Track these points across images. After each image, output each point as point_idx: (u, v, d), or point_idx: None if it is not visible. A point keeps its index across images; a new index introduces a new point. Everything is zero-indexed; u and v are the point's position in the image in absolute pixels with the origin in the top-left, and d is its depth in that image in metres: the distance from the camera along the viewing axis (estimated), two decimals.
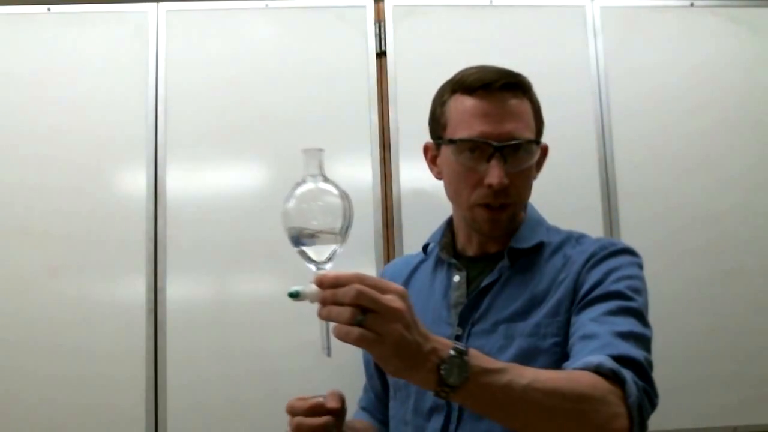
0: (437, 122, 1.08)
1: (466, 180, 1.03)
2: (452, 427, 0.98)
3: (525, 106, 1.04)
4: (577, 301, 0.96)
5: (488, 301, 1.03)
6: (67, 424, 1.42)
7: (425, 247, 1.20)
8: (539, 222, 1.11)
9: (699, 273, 1.55)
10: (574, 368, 0.83)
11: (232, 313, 1.47)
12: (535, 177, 1.09)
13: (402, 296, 0.71)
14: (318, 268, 0.77)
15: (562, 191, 1.51)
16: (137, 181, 1.51)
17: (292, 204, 0.77)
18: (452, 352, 0.71)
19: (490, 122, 1.00)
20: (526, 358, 0.93)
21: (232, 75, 1.56)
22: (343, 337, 0.68)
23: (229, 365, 1.46)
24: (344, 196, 0.78)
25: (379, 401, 1.21)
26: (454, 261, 1.10)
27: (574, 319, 0.95)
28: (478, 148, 1.01)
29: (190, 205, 1.51)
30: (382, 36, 1.59)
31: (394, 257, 1.51)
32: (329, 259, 0.78)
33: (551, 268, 1.02)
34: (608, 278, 0.96)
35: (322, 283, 0.70)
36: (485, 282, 1.04)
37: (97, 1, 1.58)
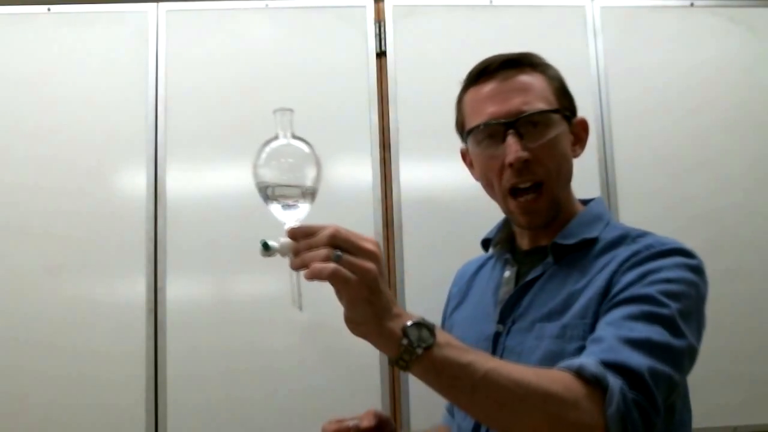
0: (460, 124, 1.06)
1: (491, 168, 0.99)
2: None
3: (535, 79, 0.99)
4: (606, 302, 0.88)
5: (529, 298, 0.97)
6: (67, 424, 1.42)
7: (484, 244, 1.14)
8: (598, 217, 1.02)
9: None
10: (557, 368, 0.78)
11: (232, 312, 1.47)
12: (576, 153, 1.03)
13: (376, 244, 0.70)
14: (287, 224, 0.75)
15: None
16: (137, 182, 1.51)
17: (263, 159, 0.77)
18: (419, 320, 0.70)
19: (497, 102, 0.97)
20: (551, 361, 0.84)
21: (232, 75, 1.56)
22: (317, 274, 0.66)
23: (229, 365, 1.46)
24: (314, 153, 0.78)
25: None
26: (507, 256, 1.06)
27: (598, 322, 0.87)
28: (494, 132, 0.97)
29: (190, 205, 1.51)
30: (382, 36, 1.59)
31: (394, 257, 1.51)
32: (296, 208, 0.76)
33: (596, 267, 0.94)
34: (643, 281, 0.87)
35: (295, 235, 0.69)
36: (528, 278, 0.99)
37: (97, 1, 1.58)
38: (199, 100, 1.55)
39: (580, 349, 0.85)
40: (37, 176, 1.50)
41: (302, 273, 0.68)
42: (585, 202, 1.07)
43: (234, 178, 1.52)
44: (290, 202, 0.75)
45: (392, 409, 1.48)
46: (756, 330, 1.54)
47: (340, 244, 0.67)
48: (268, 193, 0.76)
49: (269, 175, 0.76)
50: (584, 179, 1.55)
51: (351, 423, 0.93)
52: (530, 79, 0.99)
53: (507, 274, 1.04)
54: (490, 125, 0.97)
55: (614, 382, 0.75)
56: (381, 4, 1.60)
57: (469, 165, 1.08)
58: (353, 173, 1.55)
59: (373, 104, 1.57)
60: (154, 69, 1.55)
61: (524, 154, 0.94)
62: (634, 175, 1.58)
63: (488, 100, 0.98)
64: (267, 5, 1.60)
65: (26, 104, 1.53)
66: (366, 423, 0.93)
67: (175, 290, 1.48)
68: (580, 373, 0.75)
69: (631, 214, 1.56)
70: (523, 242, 1.06)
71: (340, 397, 1.42)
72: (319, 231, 0.68)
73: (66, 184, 1.50)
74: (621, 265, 0.91)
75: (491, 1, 1.63)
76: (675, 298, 0.86)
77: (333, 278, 0.66)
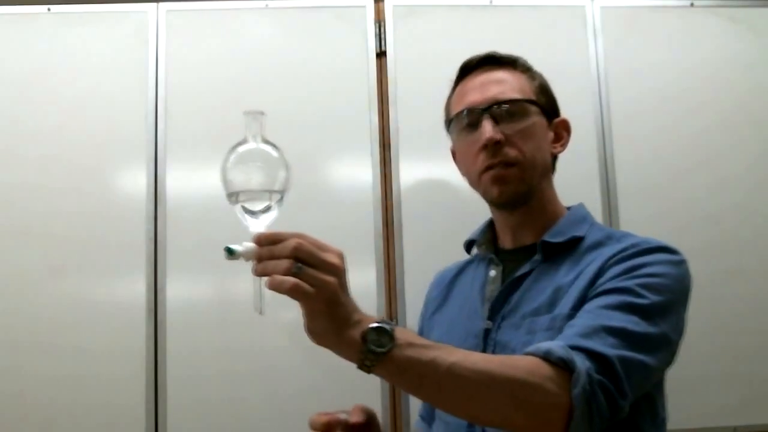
0: (447, 122, 1.12)
1: (470, 153, 1.04)
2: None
3: (513, 75, 1.05)
4: (590, 292, 0.91)
5: (519, 294, 1.00)
6: (67, 424, 1.42)
7: (468, 246, 1.17)
8: (583, 218, 1.07)
9: (699, 273, 1.52)
10: (525, 352, 0.80)
11: (232, 313, 1.47)
12: (557, 150, 1.08)
13: (340, 256, 0.71)
14: (253, 229, 0.76)
15: (562, 191, 1.50)
16: (137, 181, 1.51)
17: (231, 162, 0.77)
18: (378, 324, 0.71)
19: (475, 93, 1.04)
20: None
21: (232, 75, 1.56)
22: (277, 287, 0.67)
23: (229, 365, 1.46)
24: (283, 156, 0.78)
25: (431, 406, 1.16)
26: (492, 256, 1.09)
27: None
28: (472, 121, 1.03)
29: (190, 205, 1.51)
30: (382, 36, 1.59)
31: (394, 257, 1.51)
32: (264, 213, 0.76)
33: (583, 263, 0.97)
34: (627, 274, 0.90)
35: (260, 240, 0.70)
36: (516, 275, 1.02)
37: (97, 1, 1.58)
38: (199, 100, 1.55)
39: None
40: (37, 176, 1.50)
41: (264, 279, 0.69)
42: (568, 208, 1.11)
43: None
44: (258, 206, 0.75)
45: (392, 409, 1.48)
46: (756, 330, 1.54)
47: (303, 257, 0.68)
48: (237, 197, 0.76)
49: (238, 180, 0.76)
50: (584, 179, 1.57)
51: (341, 416, 0.94)
52: (508, 75, 1.05)
53: (492, 273, 1.06)
54: (469, 113, 1.03)
55: (582, 364, 0.77)
56: (381, 4, 1.60)
57: (458, 162, 1.13)
58: (353, 173, 1.55)
59: (373, 104, 1.57)
60: (154, 69, 1.55)
61: (497, 135, 0.99)
62: (634, 175, 1.58)
63: (469, 92, 1.05)
64: (267, 5, 1.60)
65: (26, 104, 1.53)
66: (355, 418, 0.94)
67: (175, 290, 1.48)
68: (547, 357, 0.77)
69: (631, 214, 1.56)
70: (506, 241, 1.09)
71: (340, 397, 1.42)
72: (283, 239, 0.69)
73: (66, 184, 1.50)
74: (608, 260, 0.94)
75: (491, 1, 1.63)
76: (655, 291, 0.88)
77: (292, 292, 0.67)
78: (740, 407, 1.51)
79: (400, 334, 0.72)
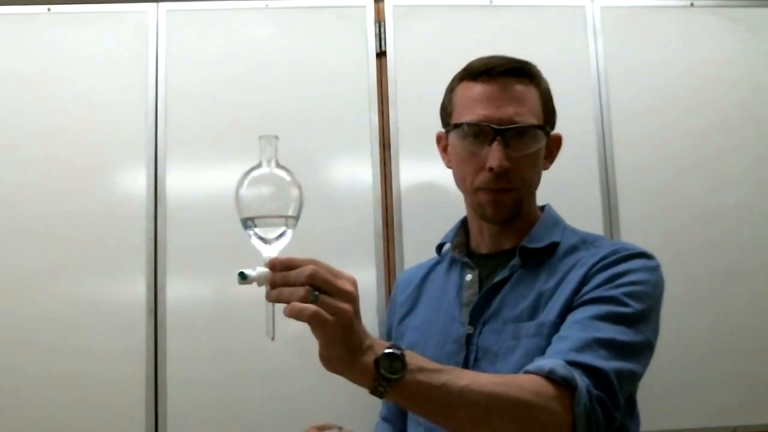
0: (445, 110, 1.10)
1: (470, 164, 1.04)
2: None
3: (530, 92, 1.04)
4: (576, 299, 0.95)
5: (499, 299, 1.02)
6: (67, 424, 1.42)
7: (439, 248, 1.19)
8: (557, 222, 1.10)
9: (699, 273, 1.55)
10: (526, 370, 0.83)
11: (232, 313, 1.47)
12: (546, 167, 1.10)
13: (353, 283, 0.72)
14: (266, 253, 0.76)
15: (562, 191, 1.51)
16: (137, 181, 1.51)
17: (245, 187, 0.77)
18: (389, 350, 0.72)
19: (492, 106, 1.01)
20: (531, 358, 0.91)
21: (232, 75, 1.56)
22: (296, 315, 0.67)
23: (229, 365, 1.46)
24: (296, 182, 0.78)
25: (398, 407, 1.19)
26: (466, 260, 1.09)
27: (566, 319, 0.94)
28: (481, 133, 1.02)
29: (190, 205, 1.51)
30: (382, 36, 1.59)
31: (394, 257, 1.51)
32: (278, 239, 0.76)
33: (562, 268, 1.01)
34: (610, 283, 0.94)
35: (274, 265, 0.70)
36: (496, 279, 1.03)
37: (97, 1, 1.58)
38: (199, 100, 1.55)
39: None
40: (37, 176, 1.50)
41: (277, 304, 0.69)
42: (540, 207, 1.13)
43: (234, 179, 1.51)
44: (272, 233, 0.76)
45: None
46: (756, 330, 1.54)
47: (318, 284, 0.68)
48: (252, 223, 0.76)
49: (252, 205, 0.76)
50: (584, 179, 1.57)
51: (334, 430, 0.95)
52: (526, 91, 1.04)
53: (469, 277, 1.07)
54: (481, 126, 1.01)
55: (581, 381, 0.81)
56: (381, 4, 1.60)
57: (443, 150, 1.13)
58: (353, 173, 1.55)
59: (373, 104, 1.57)
60: (154, 69, 1.55)
61: (507, 164, 1.00)
62: (634, 175, 1.58)
63: (484, 101, 1.02)
64: (267, 5, 1.60)
65: (26, 104, 1.53)
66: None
67: (175, 290, 1.48)
68: (550, 377, 0.81)
69: (631, 214, 1.56)
70: (482, 245, 1.10)
71: (340, 398, 1.42)
72: (298, 265, 0.69)
73: (66, 184, 1.50)
74: (591, 267, 0.97)
75: (491, 1, 1.63)
76: (638, 298, 0.93)
77: (311, 321, 0.67)
78: (740, 407, 1.51)
79: (411, 359, 0.74)
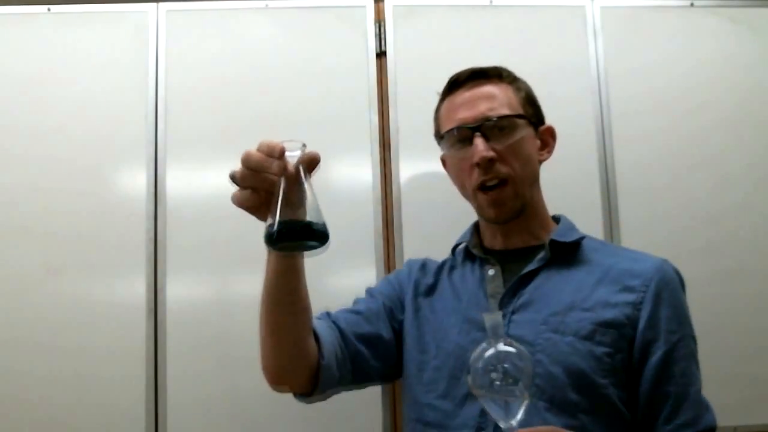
0: (437, 133, 1.16)
1: (462, 169, 1.09)
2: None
3: (502, 89, 1.09)
4: (647, 330, 1.01)
5: (530, 291, 1.04)
6: (67, 424, 1.42)
7: (455, 248, 1.22)
8: (573, 226, 1.15)
9: (699, 273, 1.54)
10: None
11: (232, 313, 1.47)
12: (544, 158, 1.13)
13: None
14: (506, 425, 0.82)
15: (562, 190, 1.51)
16: (137, 181, 1.51)
17: (478, 368, 0.84)
18: None
19: (465, 109, 1.08)
20: (579, 357, 0.97)
21: (232, 75, 1.56)
22: None
23: (229, 365, 1.46)
24: (524, 354, 0.84)
25: (357, 319, 1.12)
26: (487, 256, 1.12)
27: (647, 375, 1.01)
28: (464, 138, 1.07)
29: (190, 205, 1.51)
30: (382, 36, 1.59)
31: (394, 257, 1.51)
32: (516, 415, 0.82)
33: (596, 268, 1.05)
34: (677, 319, 1.03)
35: None
36: (525, 270, 1.06)
37: (97, 1, 1.58)
38: (199, 100, 1.55)
39: (608, 355, 0.98)
40: (37, 176, 1.50)
41: None
42: (553, 217, 1.18)
43: None
44: (511, 399, 0.82)
45: (392, 409, 1.48)
46: (756, 330, 1.54)
47: None
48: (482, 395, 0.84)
49: (483, 382, 0.83)
50: (584, 179, 1.57)
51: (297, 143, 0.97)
52: (495, 89, 1.09)
53: (492, 272, 1.10)
54: (460, 129, 1.07)
55: None
56: (381, 4, 1.60)
57: (449, 170, 1.18)
58: (353, 173, 1.55)
59: (373, 104, 1.57)
60: (154, 69, 1.55)
61: (489, 153, 1.04)
62: (634, 175, 1.58)
63: (458, 108, 1.09)
64: (267, 5, 1.60)
65: (26, 104, 1.53)
66: None
67: (175, 290, 1.48)
68: None
69: (631, 214, 1.56)
70: (496, 244, 1.13)
71: (339, 397, 1.42)
72: None
73: (66, 184, 1.50)
74: (654, 301, 1.02)
75: (491, 1, 1.62)
76: (691, 327, 1.06)
77: None
78: (740, 407, 1.51)
79: None
